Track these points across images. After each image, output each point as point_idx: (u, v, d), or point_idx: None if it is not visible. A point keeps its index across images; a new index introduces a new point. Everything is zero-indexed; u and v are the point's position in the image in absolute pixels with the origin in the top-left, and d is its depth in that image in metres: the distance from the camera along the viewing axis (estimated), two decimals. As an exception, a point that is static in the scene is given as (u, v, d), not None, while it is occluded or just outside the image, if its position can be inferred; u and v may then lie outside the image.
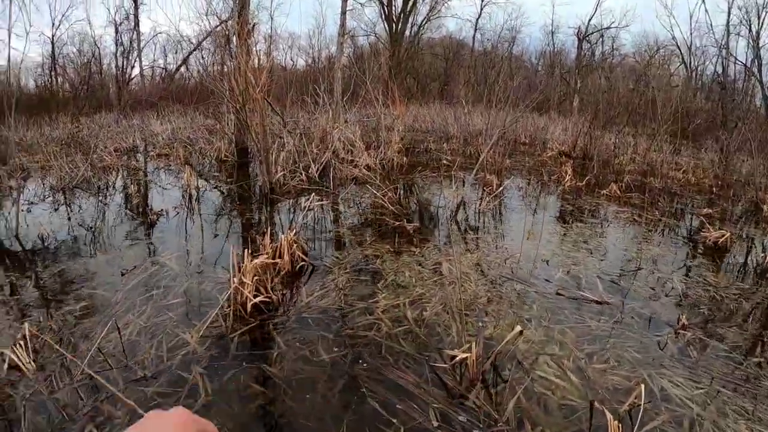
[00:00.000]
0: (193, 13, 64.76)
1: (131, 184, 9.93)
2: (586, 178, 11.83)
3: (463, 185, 10.74)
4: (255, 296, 4.43)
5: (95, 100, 24.73)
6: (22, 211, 7.79)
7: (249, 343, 3.98)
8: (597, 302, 4.73)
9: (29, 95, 24.62)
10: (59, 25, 27.72)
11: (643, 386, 3.12)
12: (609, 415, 2.88)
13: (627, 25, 42.57)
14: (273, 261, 5.01)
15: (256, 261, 4.56)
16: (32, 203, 8.41)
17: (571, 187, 10.94)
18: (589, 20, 35.70)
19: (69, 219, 7.56)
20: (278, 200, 8.83)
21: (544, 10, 79.92)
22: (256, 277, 4.52)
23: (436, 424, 3.02)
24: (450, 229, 7.37)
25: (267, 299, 4.53)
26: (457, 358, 3.56)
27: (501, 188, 9.50)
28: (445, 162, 13.43)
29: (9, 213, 7.81)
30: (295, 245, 5.50)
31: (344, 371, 3.56)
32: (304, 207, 8.03)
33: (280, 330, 4.14)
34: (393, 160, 12.67)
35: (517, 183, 11.88)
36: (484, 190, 9.85)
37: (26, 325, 3.90)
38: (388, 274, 5.38)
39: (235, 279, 4.50)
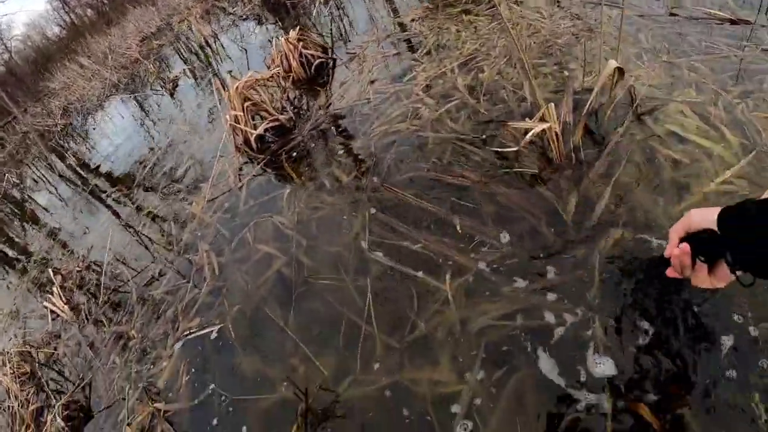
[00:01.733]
0: None
1: (150, 65, 8.90)
2: None
3: None
4: (256, 126, 3.25)
5: (119, 5, 23.51)
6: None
7: (259, 189, 2.94)
8: (731, 21, 2.62)
9: (59, 41, 24.45)
10: None
11: None
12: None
13: None
14: (267, 74, 3.67)
15: (239, 84, 3.27)
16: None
17: None
18: None
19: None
20: (297, 3, 7.17)
21: None
22: (250, 103, 3.29)
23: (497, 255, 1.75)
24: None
25: (275, 123, 3.33)
26: (533, 131, 2.06)
27: None
28: None
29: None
30: (303, 44, 4.06)
31: (369, 196, 2.37)
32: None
33: (294, 157, 2.98)
34: None
35: None
36: None
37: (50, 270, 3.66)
38: (427, 37, 3.72)
39: (227, 116, 3.35)
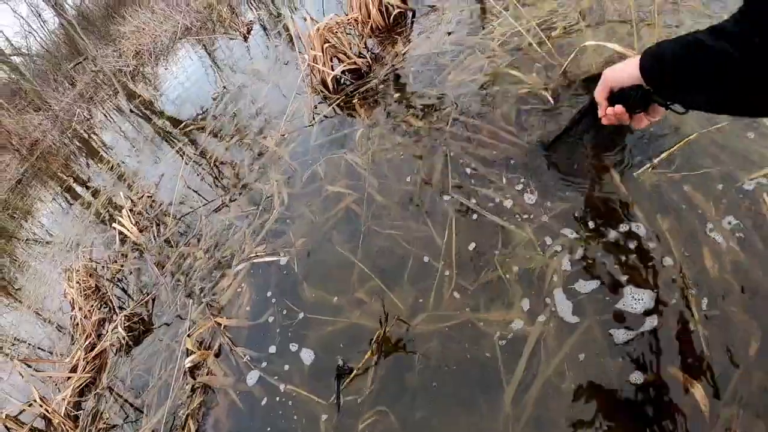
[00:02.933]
0: None
1: (222, 7, 8.97)
2: None
3: None
4: (334, 68, 3.23)
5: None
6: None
7: (332, 127, 2.96)
8: None
9: None
10: None
11: None
12: None
13: None
14: (347, 18, 3.62)
15: (320, 25, 3.25)
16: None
17: None
18: None
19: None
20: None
21: None
22: (329, 45, 3.27)
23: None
24: None
25: (352, 66, 3.30)
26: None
27: None
28: None
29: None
30: (384, -8, 3.99)
31: (443, 139, 2.32)
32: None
33: (369, 100, 2.97)
34: None
35: None
36: None
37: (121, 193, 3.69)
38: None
39: (306, 56, 3.35)
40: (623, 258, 1.47)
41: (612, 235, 1.53)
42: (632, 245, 1.48)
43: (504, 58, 2.63)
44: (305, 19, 3.51)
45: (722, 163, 1.54)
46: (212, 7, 8.87)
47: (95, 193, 5.78)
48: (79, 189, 6.84)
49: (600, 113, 1.21)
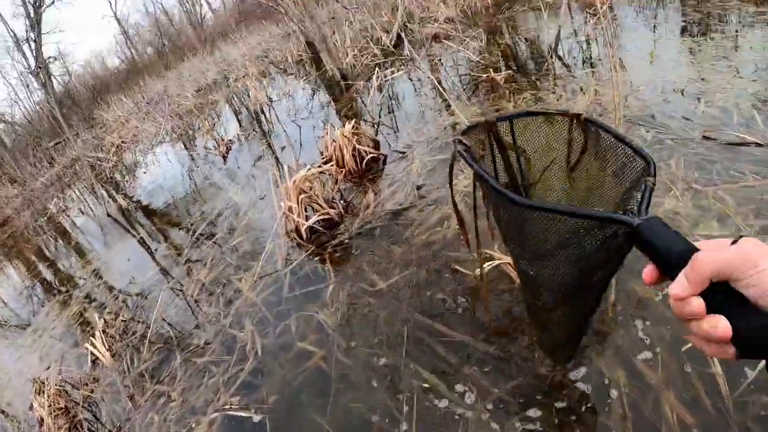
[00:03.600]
0: None
1: (204, 121, 9.55)
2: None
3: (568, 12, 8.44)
4: (308, 217, 3.62)
5: (178, 49, 25.18)
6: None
7: (304, 278, 3.30)
8: (756, 144, 2.90)
9: (117, 73, 26.16)
10: (116, 1, 28.80)
11: None
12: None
13: None
14: (322, 169, 4.07)
15: (297, 178, 3.67)
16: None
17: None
18: None
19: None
20: (351, 85, 7.75)
21: None
22: (304, 195, 3.67)
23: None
24: (551, 66, 5.60)
25: (325, 216, 3.69)
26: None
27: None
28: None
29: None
30: (356, 139, 4.49)
31: (407, 303, 2.68)
32: (377, 85, 6.84)
33: (340, 252, 3.35)
34: (476, 3, 10.56)
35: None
36: (588, 13, 7.51)
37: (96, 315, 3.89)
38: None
39: (281, 204, 3.74)
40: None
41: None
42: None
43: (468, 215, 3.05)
44: (287, 167, 3.95)
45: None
46: (194, 115, 9.50)
47: (67, 298, 5.84)
48: (49, 276, 6.90)
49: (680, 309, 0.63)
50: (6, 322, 6.27)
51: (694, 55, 4.50)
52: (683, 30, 5.52)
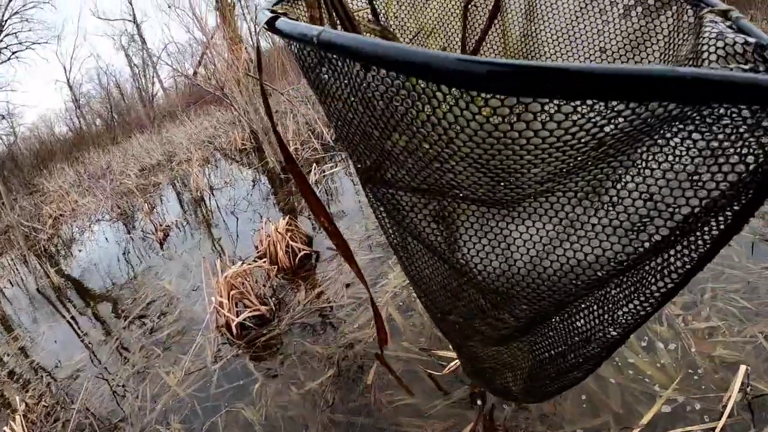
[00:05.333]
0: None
1: (145, 203, 9.65)
2: None
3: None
4: (239, 313, 3.81)
5: (127, 125, 25.32)
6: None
7: (233, 373, 3.41)
8: None
9: (63, 141, 25.89)
10: (71, 68, 28.91)
11: None
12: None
13: None
14: (255, 265, 4.33)
15: (228, 273, 3.90)
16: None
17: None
18: None
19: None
20: (290, 179, 8.16)
21: None
22: (236, 291, 3.89)
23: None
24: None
25: (257, 312, 3.90)
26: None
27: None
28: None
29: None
30: (290, 234, 4.80)
31: (334, 401, 2.87)
32: (315, 180, 7.27)
33: (270, 349, 3.52)
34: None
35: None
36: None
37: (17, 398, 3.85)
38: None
39: (212, 299, 3.93)
40: None
41: None
42: None
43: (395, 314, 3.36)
44: (217, 260, 4.17)
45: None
46: (135, 195, 9.57)
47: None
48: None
49: None
50: None
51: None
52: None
